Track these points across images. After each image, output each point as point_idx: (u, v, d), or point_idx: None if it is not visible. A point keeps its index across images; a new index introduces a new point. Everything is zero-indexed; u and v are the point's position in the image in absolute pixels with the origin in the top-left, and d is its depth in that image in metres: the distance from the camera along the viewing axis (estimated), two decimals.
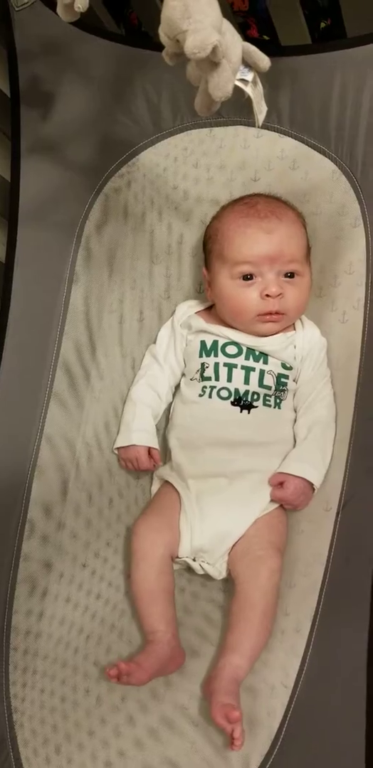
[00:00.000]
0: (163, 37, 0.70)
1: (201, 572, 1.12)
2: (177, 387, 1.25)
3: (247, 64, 0.74)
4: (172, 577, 1.10)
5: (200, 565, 1.11)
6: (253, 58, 0.73)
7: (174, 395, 1.25)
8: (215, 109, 0.75)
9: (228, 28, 0.70)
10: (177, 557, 1.11)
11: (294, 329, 1.19)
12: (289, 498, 1.09)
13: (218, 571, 1.10)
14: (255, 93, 0.76)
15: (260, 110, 0.79)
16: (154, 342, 1.27)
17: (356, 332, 1.14)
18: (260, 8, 1.61)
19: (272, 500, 1.11)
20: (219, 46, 0.66)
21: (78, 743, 1.01)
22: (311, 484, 1.09)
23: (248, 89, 0.75)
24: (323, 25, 1.70)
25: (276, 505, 1.11)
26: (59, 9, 0.88)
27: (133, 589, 1.09)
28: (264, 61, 0.73)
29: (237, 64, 0.72)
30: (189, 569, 1.13)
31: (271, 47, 1.14)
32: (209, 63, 0.68)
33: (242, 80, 0.74)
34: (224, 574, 1.11)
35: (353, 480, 1.05)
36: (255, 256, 1.11)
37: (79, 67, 1.21)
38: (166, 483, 1.18)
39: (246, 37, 1.65)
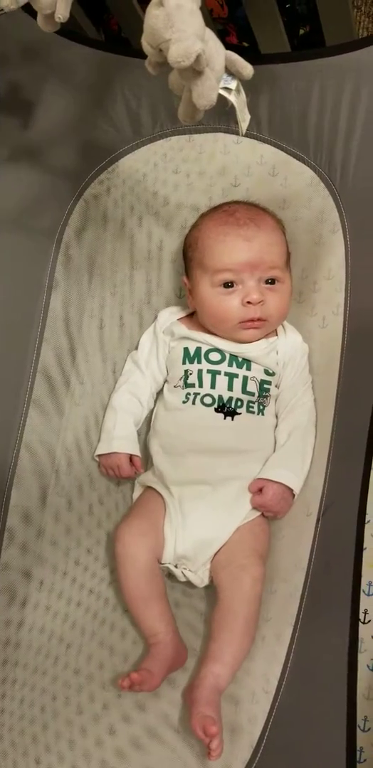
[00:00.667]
0: (146, 47, 0.70)
1: (183, 579, 1.12)
2: (159, 393, 1.25)
3: (230, 72, 0.74)
4: (162, 577, 1.11)
5: (182, 572, 1.11)
6: (236, 67, 0.73)
7: (155, 401, 1.25)
8: (198, 117, 0.75)
9: (211, 36, 0.70)
10: (160, 563, 1.11)
11: (276, 335, 1.20)
12: (268, 503, 1.09)
13: (200, 579, 1.10)
14: (238, 101, 0.76)
15: (244, 118, 0.79)
16: (136, 348, 1.27)
17: (335, 338, 1.15)
18: (240, 15, 1.62)
19: (255, 504, 1.10)
20: (202, 54, 0.66)
21: (58, 754, 1.00)
22: (291, 490, 1.10)
23: (232, 97, 0.75)
24: (302, 31, 1.72)
25: (258, 513, 1.11)
26: (39, 19, 0.87)
27: (125, 596, 1.09)
28: (247, 69, 0.73)
29: (220, 72, 0.72)
30: (170, 576, 1.13)
31: (250, 55, 1.15)
32: (192, 72, 0.68)
33: (226, 89, 0.74)
34: (206, 582, 1.11)
35: (334, 486, 1.05)
36: (235, 264, 1.11)
37: (58, 73, 1.20)
38: (149, 488, 1.18)
39: (225, 44, 1.66)
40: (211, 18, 1.59)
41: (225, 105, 0.76)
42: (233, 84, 0.74)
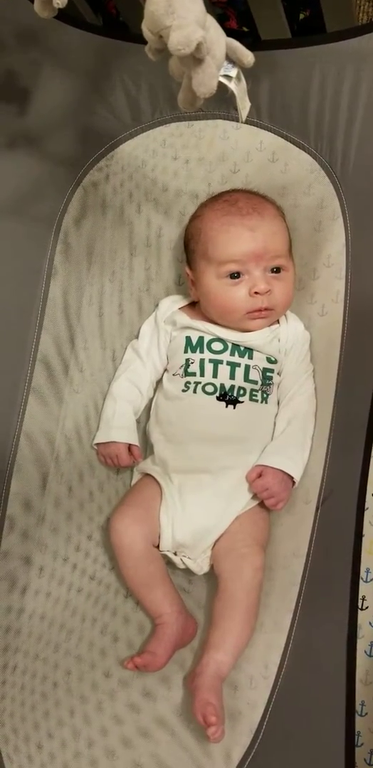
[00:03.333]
0: (146, 33, 0.69)
1: (182, 566, 1.12)
2: (158, 382, 1.25)
3: (230, 59, 0.73)
4: (162, 560, 1.11)
5: (181, 559, 1.11)
6: (237, 54, 0.72)
7: (155, 390, 1.25)
8: (198, 105, 0.75)
9: (212, 23, 0.70)
10: (159, 551, 1.12)
11: (278, 323, 1.20)
12: (269, 485, 1.09)
13: (199, 567, 1.11)
14: (239, 89, 0.76)
15: (244, 106, 0.79)
16: (136, 337, 1.27)
17: (335, 326, 1.14)
18: (239, 0, 1.60)
19: (255, 490, 1.10)
20: (203, 42, 0.65)
21: (61, 741, 1.01)
22: (291, 477, 1.10)
23: (232, 85, 0.74)
24: (301, 16, 1.70)
25: (258, 502, 1.11)
26: (37, 4, 0.86)
27: (127, 583, 1.11)
28: (248, 57, 0.73)
29: (221, 60, 0.71)
30: (170, 563, 1.13)
31: (250, 41, 1.14)
32: (192, 59, 0.67)
33: (226, 76, 0.73)
34: (205, 569, 1.11)
35: (333, 474, 1.06)
36: (241, 255, 1.11)
37: (56, 59, 1.18)
38: (146, 475, 1.18)
39: (225, 29, 1.64)
40: (210, 2, 1.57)
41: (225, 92, 0.75)
42: (233, 72, 0.74)
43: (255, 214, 1.13)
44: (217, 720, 0.91)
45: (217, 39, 0.69)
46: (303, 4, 1.69)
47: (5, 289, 1.14)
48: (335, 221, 1.16)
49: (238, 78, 0.75)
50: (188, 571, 1.13)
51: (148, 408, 1.25)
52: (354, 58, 1.07)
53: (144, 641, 1.10)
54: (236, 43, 0.72)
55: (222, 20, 1.64)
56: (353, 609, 0.93)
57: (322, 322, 1.19)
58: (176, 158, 1.25)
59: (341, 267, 1.15)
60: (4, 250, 1.15)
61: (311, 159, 1.17)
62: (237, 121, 1.18)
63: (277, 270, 1.14)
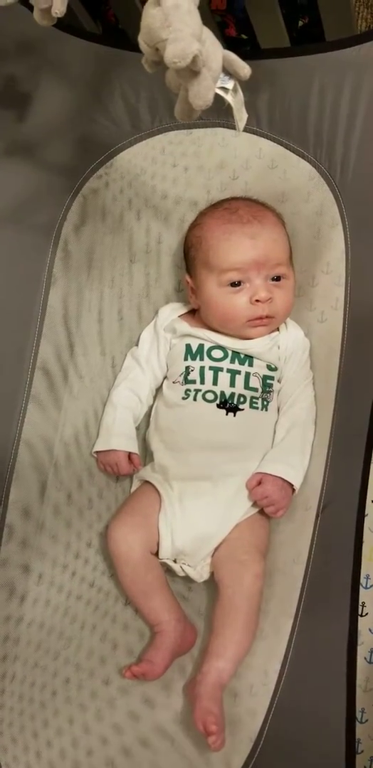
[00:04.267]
0: (142, 45, 0.70)
1: (182, 574, 1.12)
2: (158, 390, 1.25)
3: (227, 71, 0.73)
4: (160, 568, 1.12)
5: (181, 567, 1.12)
6: (233, 67, 0.73)
7: (155, 398, 1.25)
8: (195, 116, 0.75)
9: (208, 36, 0.70)
10: (158, 558, 1.12)
11: (278, 330, 1.20)
12: (268, 492, 1.09)
13: (199, 574, 1.11)
14: (235, 101, 0.76)
15: (241, 117, 0.79)
16: (136, 344, 1.27)
17: (334, 333, 1.15)
18: (238, 7, 1.61)
19: (254, 497, 1.11)
20: (199, 55, 0.66)
21: (60, 750, 1.02)
22: (291, 485, 1.10)
23: (229, 97, 0.74)
24: (300, 23, 1.71)
25: (258, 509, 1.12)
26: (36, 13, 0.86)
27: (126, 591, 1.12)
28: (245, 69, 0.73)
29: (217, 72, 0.71)
30: (169, 571, 1.14)
31: (249, 50, 1.15)
32: (189, 72, 0.68)
33: (223, 88, 0.74)
34: (205, 577, 1.12)
35: (333, 481, 1.07)
36: (242, 263, 1.12)
37: (55, 67, 1.20)
38: (145, 483, 1.18)
39: (224, 36, 1.65)
40: (209, 10, 1.58)
41: (223, 103, 0.76)
42: (230, 84, 0.74)
43: (255, 222, 1.14)
44: (217, 729, 0.92)
45: (213, 51, 0.70)
46: (302, 11, 1.70)
47: (5, 297, 1.15)
48: (334, 228, 1.17)
49: (235, 90, 0.75)
50: (187, 579, 1.13)
51: (147, 415, 1.26)
52: (353, 67, 1.08)
53: (143, 648, 1.10)
54: (232, 56, 0.73)
55: (221, 27, 1.65)
56: (353, 616, 0.94)
57: (321, 329, 1.19)
58: (176, 166, 1.26)
59: (341, 274, 1.16)
60: (4, 258, 1.16)
61: (310, 167, 1.18)
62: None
63: (277, 278, 1.15)
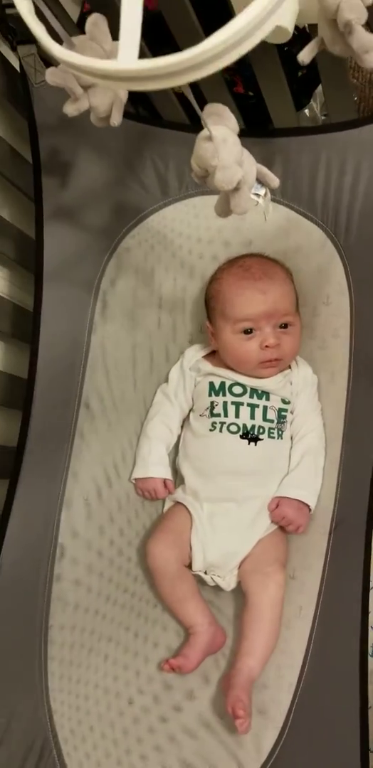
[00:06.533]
0: (194, 167, 0.86)
1: (212, 584, 1.29)
2: (184, 420, 1.42)
3: (259, 181, 0.90)
4: (193, 579, 1.28)
5: (212, 577, 1.28)
6: (265, 179, 0.89)
7: (182, 428, 1.42)
8: (230, 214, 0.92)
9: (246, 156, 0.86)
10: (191, 571, 1.29)
11: (290, 368, 1.36)
12: (287, 514, 1.26)
13: (227, 584, 1.28)
14: (265, 202, 0.93)
15: (268, 211, 0.96)
16: (166, 381, 1.43)
17: (340, 392, 1.30)
18: (246, 67, 1.76)
19: (273, 519, 1.28)
20: (241, 178, 0.83)
21: (113, 740, 1.19)
22: (307, 506, 1.27)
23: (260, 200, 0.92)
24: (300, 74, 1.87)
25: (276, 526, 1.29)
26: (93, 118, 1.02)
27: (163, 599, 1.29)
28: (275, 181, 0.90)
29: (253, 184, 0.88)
30: (201, 581, 1.30)
31: (268, 130, 1.31)
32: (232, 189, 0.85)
33: (256, 194, 0.91)
34: (232, 586, 1.28)
35: (343, 503, 1.23)
36: (254, 315, 1.28)
37: (93, 139, 1.33)
38: (176, 504, 1.35)
39: (232, 93, 1.80)
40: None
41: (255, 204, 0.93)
42: (262, 191, 0.91)
43: (266, 278, 1.29)
44: (244, 714, 1.09)
45: (250, 170, 0.86)
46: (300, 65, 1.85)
47: (56, 342, 1.32)
48: (339, 286, 1.31)
49: (265, 194, 0.92)
50: (216, 588, 1.30)
51: (176, 443, 1.42)
52: (355, 146, 1.24)
53: (179, 646, 1.27)
54: (264, 170, 0.89)
55: (230, 86, 1.80)
56: (364, 619, 1.10)
57: (332, 389, 1.34)
58: (199, 227, 1.41)
59: (346, 336, 1.30)
60: (55, 309, 1.32)
61: (319, 230, 1.32)
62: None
63: (285, 325, 1.30)
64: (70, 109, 1.00)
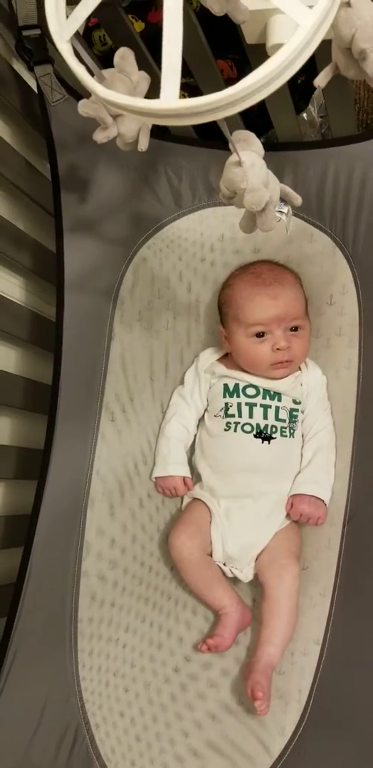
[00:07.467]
0: (223, 189, 0.92)
1: (230, 575, 1.36)
2: (200, 421, 1.48)
3: (283, 200, 0.97)
4: (216, 565, 1.35)
5: (230, 569, 1.36)
6: (289, 197, 0.96)
7: (198, 428, 1.48)
8: (255, 230, 0.98)
9: (272, 178, 0.93)
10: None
11: (300, 370, 1.42)
12: (305, 511, 1.33)
13: (245, 576, 1.35)
14: (288, 218, 0.99)
15: (289, 227, 1.03)
16: (181, 383, 1.50)
17: (349, 391, 1.37)
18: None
19: (292, 518, 1.35)
20: (268, 199, 0.89)
21: (143, 725, 1.26)
22: (322, 500, 1.34)
23: (283, 217, 0.98)
24: (299, 81, 1.94)
25: (290, 521, 1.36)
26: (119, 143, 1.08)
27: (191, 588, 1.36)
28: (298, 200, 0.96)
29: (277, 203, 0.95)
30: None
31: (279, 143, 1.37)
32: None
33: (279, 212, 0.97)
34: (250, 578, 1.35)
35: (355, 499, 1.30)
36: (265, 319, 1.34)
37: (110, 154, 1.36)
38: (194, 499, 1.42)
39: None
40: (222, 79, 1.79)
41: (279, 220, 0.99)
42: (285, 209, 0.98)
43: (276, 284, 1.36)
44: (263, 696, 1.16)
45: (275, 189, 0.93)
46: (300, 72, 1.92)
47: (78, 350, 1.38)
48: (347, 291, 1.39)
49: (288, 212, 0.99)
50: (234, 579, 1.37)
51: (192, 443, 1.49)
52: (361, 159, 1.30)
53: (210, 629, 1.35)
54: (287, 189, 0.96)
55: None
56: None
57: (337, 386, 1.41)
58: (212, 236, 1.47)
59: (354, 337, 1.38)
60: (76, 318, 1.38)
61: (328, 238, 1.39)
62: None
63: (295, 329, 1.37)
64: (100, 137, 1.05)
